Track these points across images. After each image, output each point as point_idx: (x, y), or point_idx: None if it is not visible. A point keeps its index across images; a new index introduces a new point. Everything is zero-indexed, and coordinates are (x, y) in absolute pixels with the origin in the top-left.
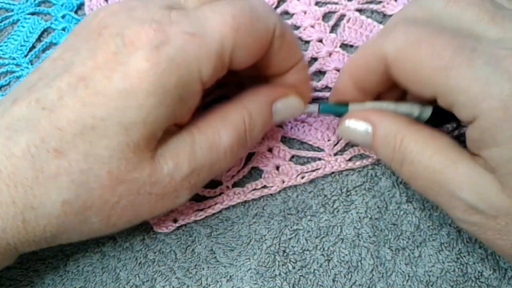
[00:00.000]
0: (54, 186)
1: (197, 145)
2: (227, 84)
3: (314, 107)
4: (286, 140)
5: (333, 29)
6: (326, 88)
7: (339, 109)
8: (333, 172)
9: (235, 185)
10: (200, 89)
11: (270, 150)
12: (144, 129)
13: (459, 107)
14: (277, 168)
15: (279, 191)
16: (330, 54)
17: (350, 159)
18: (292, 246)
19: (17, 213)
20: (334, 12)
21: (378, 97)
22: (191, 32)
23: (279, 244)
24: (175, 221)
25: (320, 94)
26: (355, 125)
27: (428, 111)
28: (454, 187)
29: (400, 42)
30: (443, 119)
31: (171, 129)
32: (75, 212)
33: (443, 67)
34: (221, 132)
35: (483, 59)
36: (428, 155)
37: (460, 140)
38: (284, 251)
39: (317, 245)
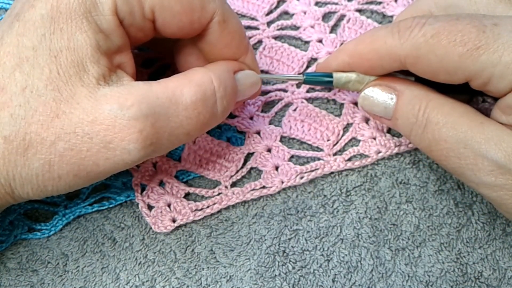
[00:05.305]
0: None
1: (153, 94)
2: None
3: (299, 77)
4: (285, 140)
5: (333, 29)
6: (326, 88)
7: (324, 78)
8: (332, 172)
9: (234, 185)
10: (118, 23)
11: (269, 150)
12: (70, 55)
13: (496, 80)
14: (276, 168)
15: (279, 191)
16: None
17: (349, 159)
18: (292, 247)
19: None
20: (334, 13)
21: None
22: None
23: (279, 244)
24: (173, 221)
25: (320, 94)
26: (379, 94)
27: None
28: (480, 145)
29: (418, 41)
30: None
31: (123, 78)
32: (15, 150)
33: (471, 49)
34: (184, 89)
35: (507, 28)
36: (455, 116)
37: None
38: (284, 251)
39: (316, 246)
